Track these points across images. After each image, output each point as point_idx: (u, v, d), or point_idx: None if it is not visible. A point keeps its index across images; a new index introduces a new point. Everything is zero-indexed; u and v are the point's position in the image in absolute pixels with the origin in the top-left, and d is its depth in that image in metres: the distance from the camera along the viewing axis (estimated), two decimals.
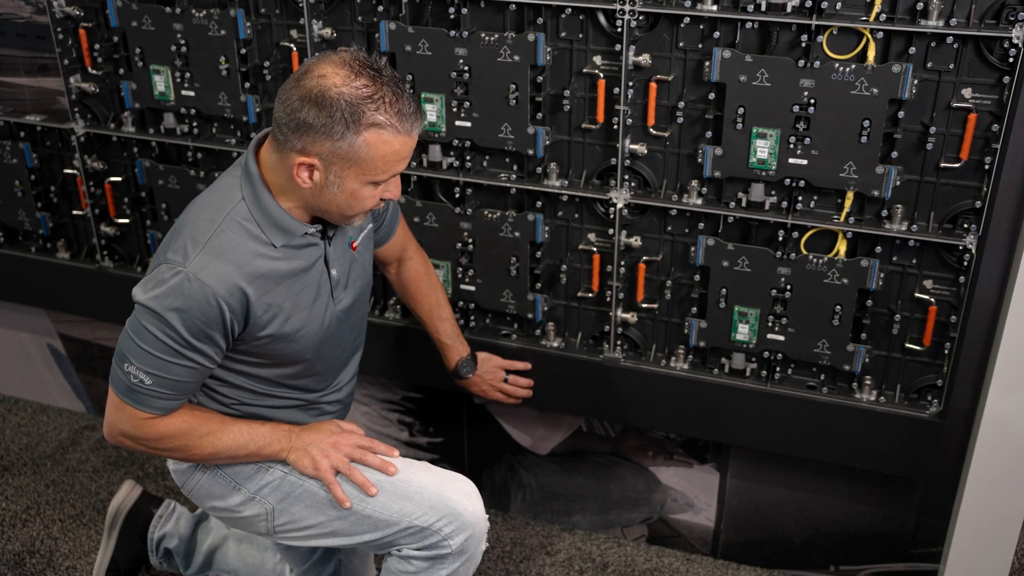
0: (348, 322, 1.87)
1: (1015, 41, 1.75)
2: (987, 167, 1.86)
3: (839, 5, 1.84)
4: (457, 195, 2.23)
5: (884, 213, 1.96)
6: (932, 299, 2.00)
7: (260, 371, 1.79)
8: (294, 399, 1.86)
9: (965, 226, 1.92)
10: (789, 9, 1.86)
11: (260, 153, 1.69)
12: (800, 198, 2.00)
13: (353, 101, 1.56)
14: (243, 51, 2.25)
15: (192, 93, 2.33)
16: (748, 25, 1.91)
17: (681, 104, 2.01)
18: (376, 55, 1.63)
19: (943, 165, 1.90)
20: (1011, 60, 1.77)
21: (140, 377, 1.64)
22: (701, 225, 2.10)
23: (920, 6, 1.79)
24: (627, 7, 1.94)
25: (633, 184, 2.10)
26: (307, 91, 1.57)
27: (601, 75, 2.03)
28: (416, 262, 2.12)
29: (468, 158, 2.20)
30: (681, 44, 1.97)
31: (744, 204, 2.03)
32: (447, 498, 1.79)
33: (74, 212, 2.64)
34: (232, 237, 1.64)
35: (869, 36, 1.84)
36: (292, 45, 2.23)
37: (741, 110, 1.93)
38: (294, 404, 1.87)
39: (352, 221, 1.72)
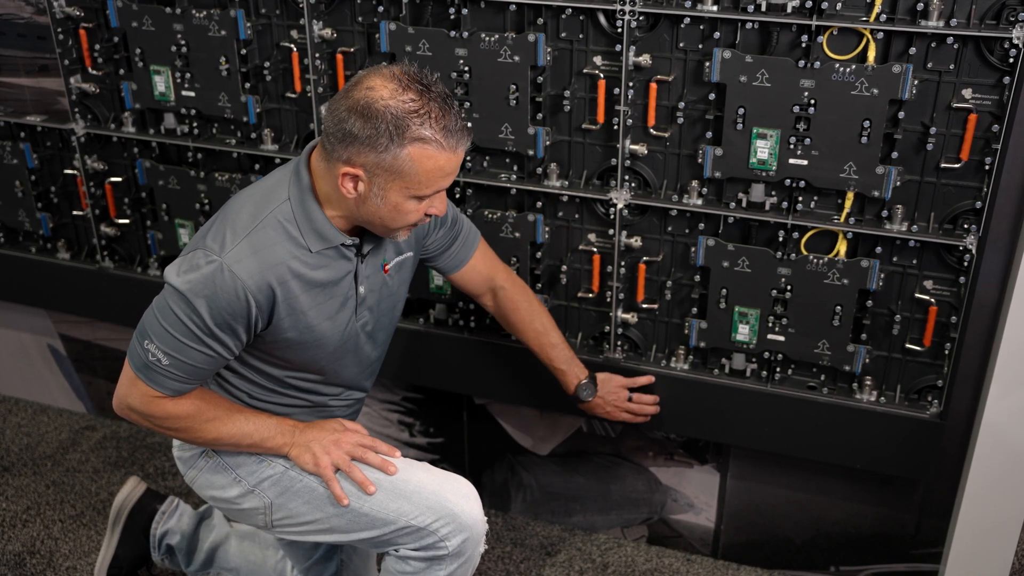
0: (369, 343, 1.88)
1: (1015, 41, 1.75)
2: (987, 167, 1.86)
3: (839, 5, 1.84)
4: (457, 196, 2.23)
5: (884, 213, 1.96)
6: (932, 299, 2.00)
7: (273, 371, 1.81)
8: (303, 400, 1.88)
9: (965, 226, 1.92)
10: (789, 9, 1.86)
11: (312, 158, 1.71)
12: (800, 198, 2.00)
13: (399, 114, 1.57)
14: (243, 51, 2.25)
15: (192, 93, 2.33)
16: (748, 25, 1.91)
17: (681, 104, 2.01)
18: (427, 71, 1.64)
19: (943, 165, 1.90)
20: (1011, 60, 1.77)
21: (158, 356, 1.66)
22: (701, 225, 2.10)
23: (920, 6, 1.79)
24: (627, 7, 1.94)
25: (633, 184, 2.11)
26: (354, 102, 1.59)
27: (601, 75, 2.03)
28: (510, 291, 2.07)
29: (468, 158, 2.20)
30: (681, 44, 1.97)
31: (744, 204, 2.03)
32: (445, 499, 1.79)
33: (74, 212, 2.64)
34: (271, 235, 1.66)
35: (869, 36, 1.84)
36: (292, 45, 2.23)
37: (741, 110, 1.93)
38: (303, 405, 1.88)
39: (396, 235, 1.73)
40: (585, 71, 2.05)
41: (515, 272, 2.12)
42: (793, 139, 1.92)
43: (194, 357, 1.66)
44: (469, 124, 1.64)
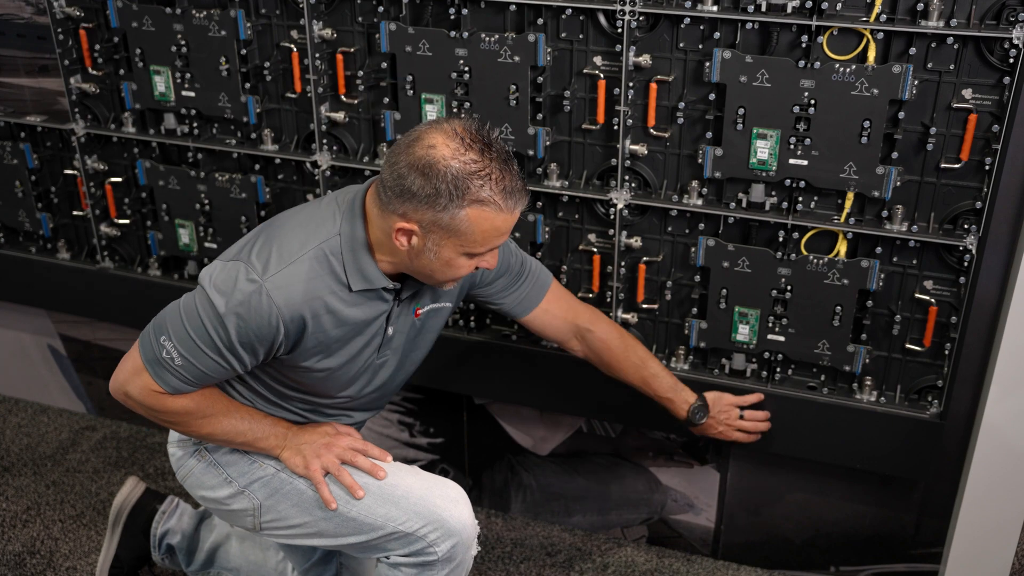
0: (385, 379, 1.88)
1: (1015, 42, 1.75)
2: (987, 168, 1.86)
3: (839, 6, 1.84)
4: None
5: (884, 214, 1.96)
6: (932, 300, 2.00)
7: (282, 389, 1.82)
8: (305, 420, 1.89)
9: (965, 227, 1.92)
10: (789, 10, 1.86)
11: (367, 198, 1.70)
12: (800, 199, 2.00)
13: (460, 175, 1.56)
14: (243, 52, 2.25)
15: (192, 94, 2.33)
16: (748, 26, 1.91)
17: (681, 105, 2.01)
18: (488, 127, 1.63)
19: (943, 166, 1.90)
20: (1011, 60, 1.77)
21: (172, 355, 1.66)
22: (701, 226, 2.10)
23: (920, 7, 1.79)
24: (627, 8, 1.94)
25: (633, 185, 2.11)
26: (416, 159, 1.58)
27: (601, 76, 2.03)
28: (600, 331, 2.02)
29: None
30: (681, 45, 1.97)
31: (744, 205, 2.03)
32: (433, 504, 1.79)
33: (75, 213, 2.64)
34: (315, 267, 1.65)
35: (869, 37, 1.84)
36: (292, 46, 2.23)
37: (741, 111, 1.93)
38: (302, 421, 1.89)
39: (443, 285, 1.74)
40: (585, 71, 2.05)
41: (596, 308, 2.08)
42: (793, 139, 1.92)
43: (207, 365, 1.67)
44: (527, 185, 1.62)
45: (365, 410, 1.95)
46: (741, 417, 2.14)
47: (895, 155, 1.90)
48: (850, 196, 1.96)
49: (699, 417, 2.07)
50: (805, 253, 2.02)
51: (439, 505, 1.79)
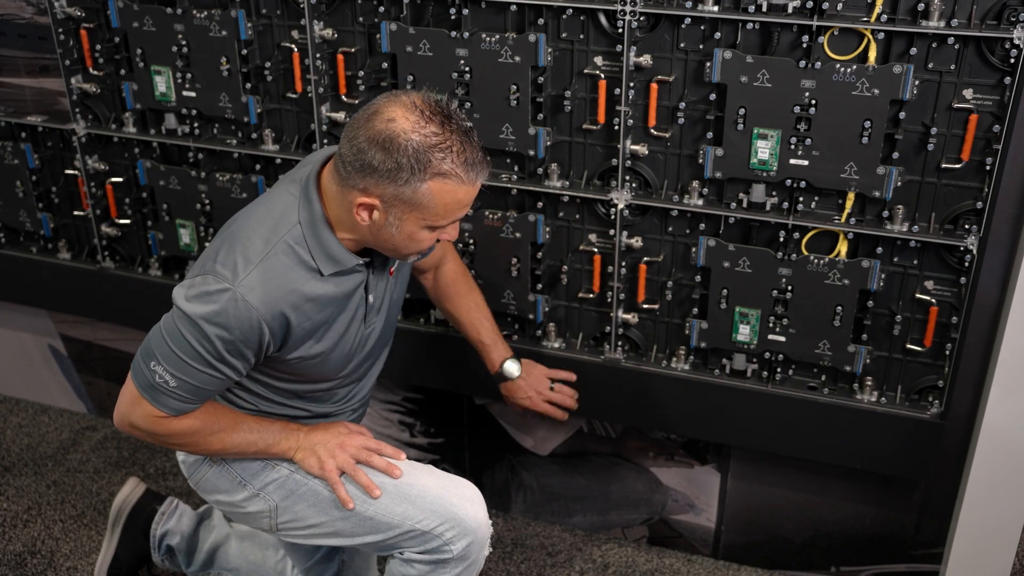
0: (375, 345, 1.89)
1: (1016, 42, 1.75)
2: (988, 168, 1.86)
3: (840, 6, 1.84)
4: None
5: (885, 214, 1.96)
6: (933, 300, 2.00)
7: (281, 384, 1.82)
8: (308, 411, 1.89)
9: (966, 227, 1.92)
10: (790, 10, 1.86)
11: (322, 176, 1.69)
12: (801, 199, 2.00)
13: (421, 148, 1.56)
14: (244, 52, 2.25)
15: (193, 94, 2.33)
16: (749, 26, 1.91)
17: (682, 105, 2.01)
18: (446, 99, 1.62)
19: (944, 166, 1.90)
20: (1012, 61, 1.77)
21: (165, 378, 1.65)
22: (702, 226, 2.10)
23: (921, 7, 1.79)
24: (628, 8, 1.94)
25: (634, 185, 2.11)
26: (376, 133, 1.57)
27: (602, 76, 2.03)
28: (451, 266, 2.11)
29: None
30: (682, 45, 1.97)
31: (745, 205, 2.03)
32: (449, 503, 1.79)
33: (75, 213, 2.64)
34: (284, 261, 1.65)
35: (870, 37, 1.84)
36: (293, 46, 2.23)
37: (742, 111, 1.93)
38: (308, 415, 1.89)
39: (407, 259, 1.74)
40: (586, 71, 2.05)
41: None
42: (794, 139, 1.92)
43: (202, 380, 1.66)
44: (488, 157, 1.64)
45: (367, 374, 1.95)
46: (552, 390, 2.19)
47: (896, 155, 1.90)
48: (851, 196, 1.96)
49: (511, 371, 2.12)
50: (806, 253, 2.02)
51: (455, 504, 1.79)
